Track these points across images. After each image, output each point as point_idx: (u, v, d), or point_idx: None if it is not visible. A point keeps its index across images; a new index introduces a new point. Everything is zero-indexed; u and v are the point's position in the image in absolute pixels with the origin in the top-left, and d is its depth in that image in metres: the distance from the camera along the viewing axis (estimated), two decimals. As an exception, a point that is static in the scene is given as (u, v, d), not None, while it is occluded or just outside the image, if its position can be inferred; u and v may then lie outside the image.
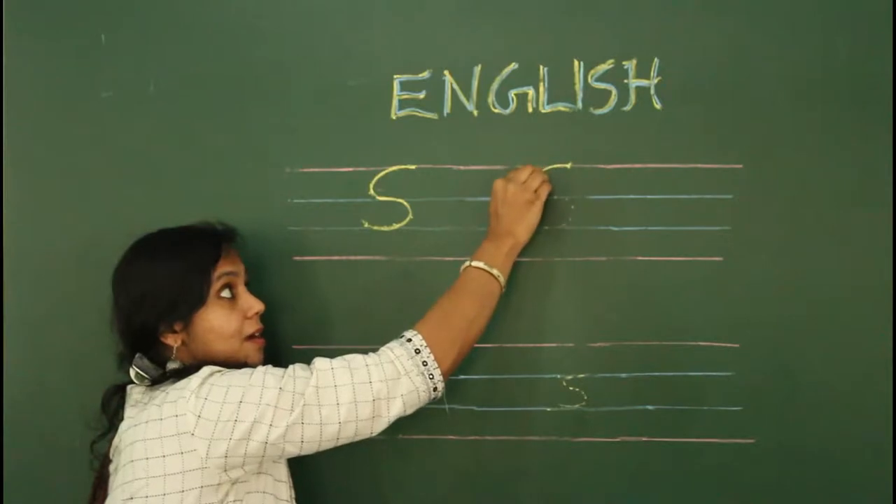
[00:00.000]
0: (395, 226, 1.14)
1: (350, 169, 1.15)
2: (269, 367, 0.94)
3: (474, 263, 1.04)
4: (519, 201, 1.05)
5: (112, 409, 1.01)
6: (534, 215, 1.06)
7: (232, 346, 1.00)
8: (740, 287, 1.09)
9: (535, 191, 1.07)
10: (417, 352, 0.96)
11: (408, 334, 0.98)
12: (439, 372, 0.96)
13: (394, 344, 0.97)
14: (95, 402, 1.02)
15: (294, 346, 1.15)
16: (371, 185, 1.15)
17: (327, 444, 0.93)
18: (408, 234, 1.14)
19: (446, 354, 0.97)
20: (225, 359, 0.98)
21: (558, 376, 1.13)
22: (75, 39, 1.19)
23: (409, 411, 0.96)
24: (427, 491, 1.16)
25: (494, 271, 1.03)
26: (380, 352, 0.97)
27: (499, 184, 1.06)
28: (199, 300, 0.97)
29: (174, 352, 0.98)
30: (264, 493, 0.95)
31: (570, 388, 1.12)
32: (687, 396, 1.11)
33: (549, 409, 1.13)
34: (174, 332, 0.98)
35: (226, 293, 1.00)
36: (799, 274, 1.08)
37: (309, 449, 0.92)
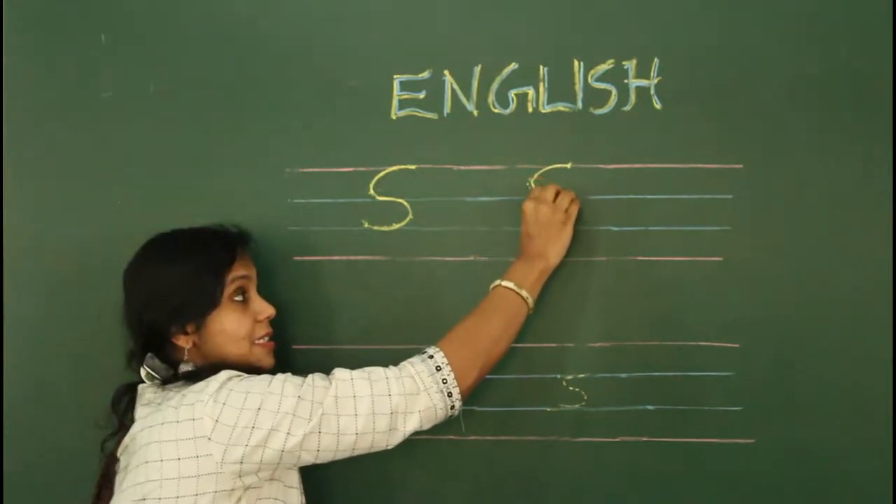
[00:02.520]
0: (395, 226, 1.14)
1: (350, 169, 1.15)
2: (289, 374, 0.94)
3: (504, 283, 1.03)
4: (552, 222, 1.05)
5: (122, 408, 1.01)
6: (566, 236, 1.06)
7: (243, 348, 1.00)
8: (740, 287, 1.09)
9: (566, 210, 1.06)
10: (438, 369, 0.96)
11: (430, 350, 0.98)
12: (458, 391, 0.96)
13: (415, 359, 0.97)
14: (96, 402, 1.02)
15: (294, 346, 1.15)
16: (371, 185, 1.15)
17: (343, 454, 0.93)
18: (408, 234, 1.14)
19: (467, 374, 0.97)
20: (236, 361, 0.98)
21: (558, 376, 1.13)
22: (75, 39, 1.19)
23: (426, 427, 0.96)
24: (429, 491, 1.16)
25: (524, 293, 1.03)
26: (401, 366, 0.97)
27: (528, 206, 1.06)
28: (212, 302, 0.97)
29: (185, 353, 0.98)
30: (275, 499, 0.95)
31: (570, 388, 1.12)
32: (687, 396, 1.11)
33: (549, 409, 1.13)
34: (186, 333, 0.98)
35: (238, 297, 1.00)
36: (799, 274, 1.08)
37: (325, 458, 0.93)
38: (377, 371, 0.95)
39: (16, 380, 1.20)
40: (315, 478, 1.08)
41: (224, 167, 1.17)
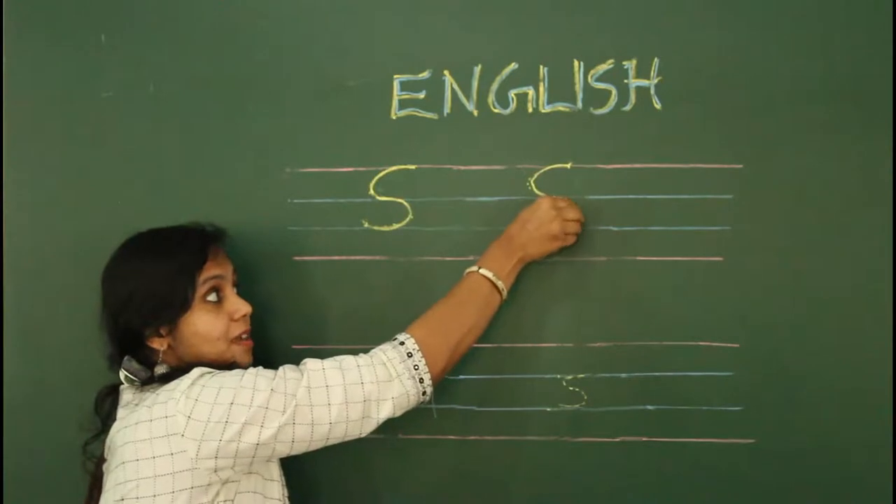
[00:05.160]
0: (395, 226, 1.14)
1: (350, 169, 1.15)
2: (260, 368, 0.95)
3: (482, 271, 1.04)
4: (551, 230, 1.05)
5: (105, 410, 1.01)
6: (551, 247, 1.07)
7: (219, 348, 0.99)
8: (740, 287, 1.09)
9: (567, 233, 1.07)
10: (410, 355, 0.96)
11: (400, 337, 0.98)
12: (429, 377, 0.97)
13: (386, 346, 0.98)
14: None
15: (294, 346, 1.16)
16: (371, 185, 1.15)
17: (317, 444, 0.93)
18: (408, 234, 1.14)
19: (438, 360, 0.98)
20: (212, 361, 0.98)
21: (558, 376, 1.13)
22: (75, 39, 1.19)
23: (398, 414, 0.96)
24: (426, 491, 1.16)
25: (500, 283, 1.03)
26: (371, 353, 0.97)
27: (546, 202, 1.05)
28: (183, 305, 0.96)
29: (160, 355, 0.98)
30: (254, 492, 0.95)
31: (570, 388, 1.12)
32: (687, 396, 1.11)
33: (548, 409, 1.13)
34: (160, 335, 0.97)
35: (212, 297, 0.99)
36: (799, 274, 1.08)
37: (299, 449, 0.93)
38: (348, 360, 0.95)
39: (16, 380, 1.20)
40: (302, 470, 1.08)
41: (224, 167, 1.17)
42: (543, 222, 1.05)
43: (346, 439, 0.94)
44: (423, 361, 0.96)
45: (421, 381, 0.96)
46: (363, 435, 0.95)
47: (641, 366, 1.11)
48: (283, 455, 0.94)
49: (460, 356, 1.02)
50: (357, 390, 0.93)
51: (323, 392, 0.92)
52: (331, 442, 0.94)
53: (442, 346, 0.98)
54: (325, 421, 0.91)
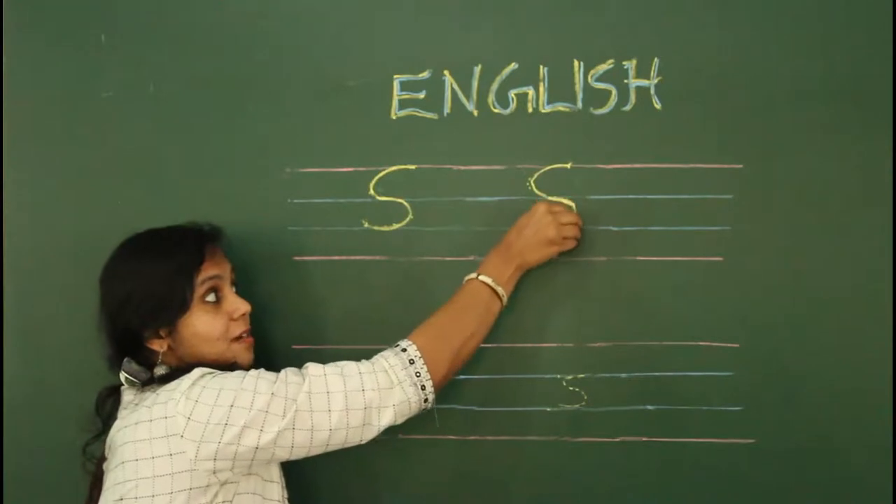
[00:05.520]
0: (395, 226, 1.14)
1: (350, 169, 1.15)
2: (262, 370, 0.94)
3: (482, 278, 1.03)
4: (547, 234, 1.04)
5: (107, 411, 1.01)
6: (548, 255, 1.06)
7: (219, 348, 0.99)
8: (740, 287, 1.09)
9: (564, 237, 1.06)
10: (412, 362, 0.96)
11: (403, 344, 0.98)
12: (431, 384, 0.97)
13: (388, 353, 0.97)
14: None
15: (294, 347, 1.16)
16: (371, 185, 1.14)
17: (317, 450, 0.93)
18: (408, 234, 1.14)
19: (439, 367, 0.97)
20: (213, 361, 0.98)
21: (558, 376, 1.13)
22: (75, 39, 1.19)
23: (399, 421, 0.96)
24: (427, 491, 1.16)
25: (500, 290, 1.03)
26: (373, 360, 0.97)
27: (541, 207, 1.05)
28: (182, 306, 0.96)
29: (159, 357, 0.98)
30: (253, 493, 0.94)
31: (570, 388, 1.12)
32: (687, 396, 1.11)
33: (548, 410, 1.13)
34: (159, 337, 0.97)
35: (210, 297, 0.99)
36: (799, 274, 1.08)
37: (298, 454, 0.93)
38: (350, 366, 0.95)
39: (16, 380, 1.20)
40: (302, 471, 1.08)
41: (224, 167, 1.17)
42: (540, 227, 1.05)
43: (347, 446, 0.94)
44: (425, 368, 0.96)
45: (423, 388, 0.96)
46: (363, 442, 0.95)
47: (641, 366, 1.11)
48: (283, 459, 0.94)
49: (462, 363, 1.02)
50: (358, 397, 0.92)
51: (324, 398, 0.92)
52: (331, 448, 0.94)
53: (444, 352, 0.98)
54: (324, 427, 0.91)
